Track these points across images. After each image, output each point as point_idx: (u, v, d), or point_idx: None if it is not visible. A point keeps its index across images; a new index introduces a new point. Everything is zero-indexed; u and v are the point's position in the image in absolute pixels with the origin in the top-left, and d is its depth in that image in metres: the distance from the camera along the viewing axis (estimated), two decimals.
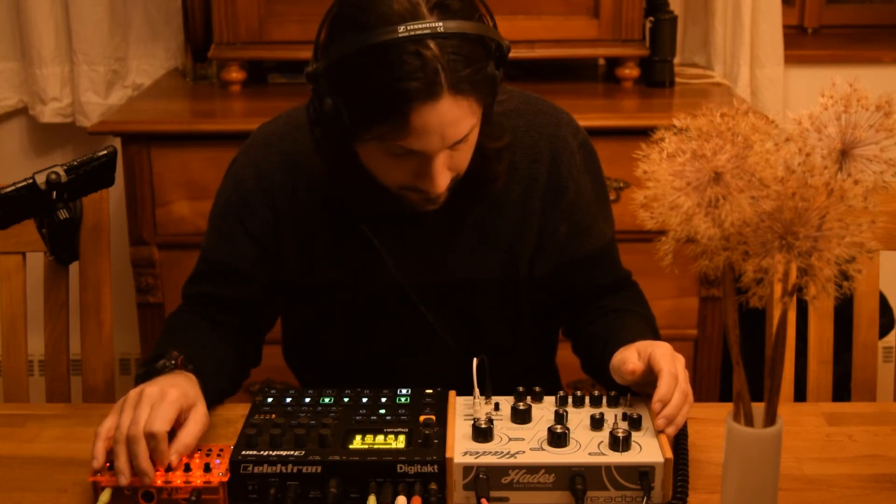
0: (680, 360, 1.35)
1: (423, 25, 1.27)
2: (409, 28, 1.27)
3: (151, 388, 1.30)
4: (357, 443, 1.27)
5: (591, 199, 1.57)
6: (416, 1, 1.29)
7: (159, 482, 1.24)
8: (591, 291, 1.62)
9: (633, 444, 1.26)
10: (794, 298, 1.07)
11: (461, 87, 1.29)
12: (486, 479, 1.23)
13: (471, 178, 1.44)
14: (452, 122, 1.31)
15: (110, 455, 1.25)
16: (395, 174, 1.38)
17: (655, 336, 1.52)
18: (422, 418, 1.32)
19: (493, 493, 1.23)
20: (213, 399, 1.43)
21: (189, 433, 1.28)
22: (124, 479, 1.23)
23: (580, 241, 1.57)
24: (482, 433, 1.27)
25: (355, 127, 1.33)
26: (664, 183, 0.98)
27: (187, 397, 1.31)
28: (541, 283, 1.58)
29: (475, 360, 1.36)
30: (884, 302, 2.61)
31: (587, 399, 1.36)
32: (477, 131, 1.39)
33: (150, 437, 1.24)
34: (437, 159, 1.35)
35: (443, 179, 1.37)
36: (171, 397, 1.28)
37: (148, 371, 1.37)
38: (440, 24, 1.28)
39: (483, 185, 1.48)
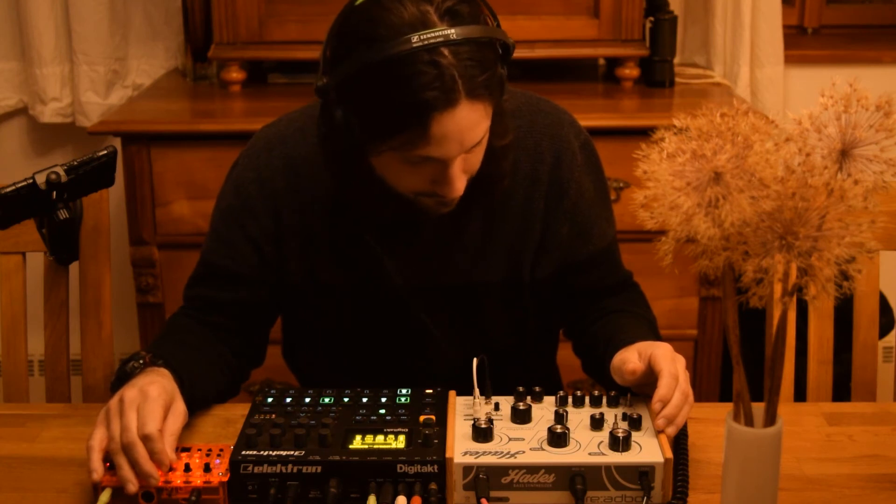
0: (680, 361, 1.35)
1: (436, 33, 1.26)
2: (422, 37, 1.26)
3: (130, 392, 1.29)
4: (357, 443, 1.27)
5: (592, 199, 1.57)
6: (425, 9, 1.28)
7: (159, 482, 1.23)
8: (593, 292, 1.61)
9: (633, 444, 1.26)
10: (794, 298, 1.06)
11: (477, 92, 1.30)
12: (486, 479, 1.23)
13: (479, 178, 1.44)
14: (470, 128, 1.31)
15: (108, 456, 1.25)
16: (412, 181, 1.38)
17: (656, 337, 1.52)
18: (422, 418, 1.32)
19: (493, 493, 1.23)
20: (198, 398, 1.42)
21: (170, 431, 1.27)
22: (132, 487, 1.22)
23: (582, 242, 1.57)
24: (482, 433, 1.27)
25: (371, 139, 1.33)
26: (664, 183, 0.98)
27: (167, 392, 1.31)
28: (543, 285, 1.58)
29: (475, 360, 1.36)
30: (884, 302, 2.61)
31: (587, 399, 1.36)
32: (488, 132, 1.39)
33: (146, 438, 1.24)
34: (454, 165, 1.35)
35: (460, 183, 1.37)
36: (152, 395, 1.28)
37: (119, 376, 1.37)
38: (452, 30, 1.27)
39: (490, 183, 1.47)
